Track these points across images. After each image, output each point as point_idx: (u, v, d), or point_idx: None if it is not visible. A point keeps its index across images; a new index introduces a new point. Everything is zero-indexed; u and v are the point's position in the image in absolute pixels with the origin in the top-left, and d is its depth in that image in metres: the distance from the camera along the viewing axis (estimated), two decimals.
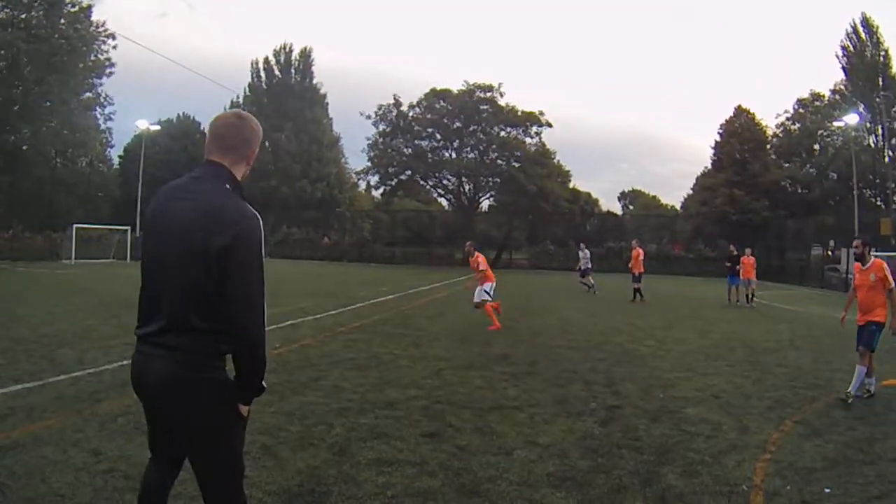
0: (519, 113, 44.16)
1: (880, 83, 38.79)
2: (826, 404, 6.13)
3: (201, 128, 56.11)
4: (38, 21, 32.82)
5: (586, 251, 22.71)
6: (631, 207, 79.02)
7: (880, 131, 39.13)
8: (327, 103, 54.69)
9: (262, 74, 53.78)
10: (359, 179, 53.11)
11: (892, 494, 3.84)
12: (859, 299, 6.62)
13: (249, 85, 54.27)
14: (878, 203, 38.44)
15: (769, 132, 46.64)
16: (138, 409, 5.09)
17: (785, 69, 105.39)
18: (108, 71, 37.92)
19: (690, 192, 55.56)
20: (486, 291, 12.04)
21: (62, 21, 34.40)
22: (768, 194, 41.89)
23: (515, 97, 71.76)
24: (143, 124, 41.46)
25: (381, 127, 45.90)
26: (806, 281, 31.43)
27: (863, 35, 39.82)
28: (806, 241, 37.85)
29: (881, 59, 38.87)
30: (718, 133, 47.11)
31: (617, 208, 76.57)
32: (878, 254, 20.89)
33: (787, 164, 45.00)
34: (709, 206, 43.88)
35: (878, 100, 38.50)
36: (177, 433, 2.22)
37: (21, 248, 27.60)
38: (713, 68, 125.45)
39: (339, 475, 3.92)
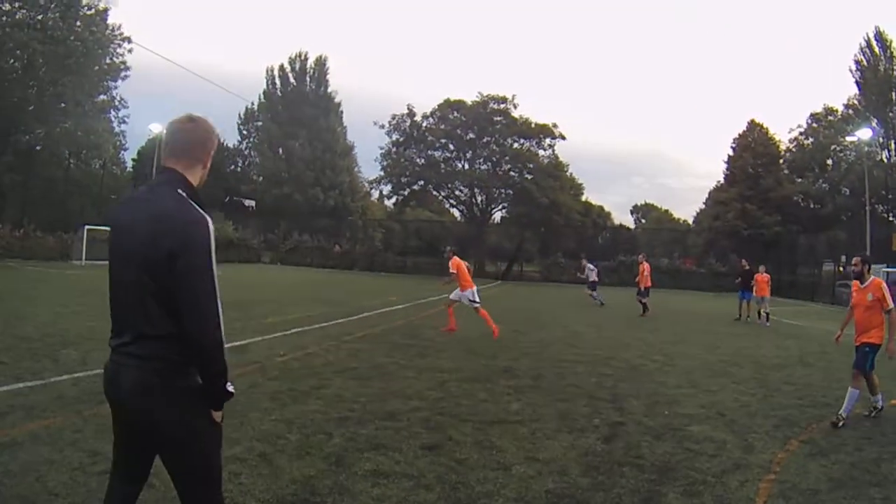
0: (532, 125, 44.13)
1: (893, 98, 38.50)
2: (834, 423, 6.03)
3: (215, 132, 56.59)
4: (53, 23, 33.01)
5: (591, 265, 23.12)
6: (643, 221, 78.64)
7: (893, 146, 38.80)
8: (342, 112, 54.93)
9: (277, 82, 54.10)
10: (371, 188, 53.29)
11: None
12: (856, 318, 6.49)
13: (264, 92, 54.64)
14: (891, 219, 38.01)
15: (782, 147, 46.37)
16: None
17: (798, 83, 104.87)
18: (122, 74, 38.14)
19: (703, 206, 55.27)
20: (468, 298, 12.10)
21: (78, 23, 34.60)
22: (780, 209, 41.60)
23: (529, 109, 71.62)
24: (156, 128, 41.86)
25: (395, 136, 46.05)
26: (817, 297, 31.11)
27: (876, 49, 39.53)
28: (817, 257, 37.47)
29: (895, 73, 38.51)
30: (731, 147, 46.95)
31: (629, 222, 76.35)
32: (891, 269, 20.75)
33: (799, 179, 44.70)
34: (721, 220, 43.59)
35: (891, 114, 38.23)
36: (149, 443, 2.21)
37: (32, 248, 27.75)
38: (727, 82, 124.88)
39: (334, 486, 3.89)
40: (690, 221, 60.98)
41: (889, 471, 4.62)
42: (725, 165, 47.12)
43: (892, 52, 38.79)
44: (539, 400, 6.60)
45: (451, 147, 45.56)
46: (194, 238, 2.08)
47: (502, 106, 44.22)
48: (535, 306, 20.43)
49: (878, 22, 56.29)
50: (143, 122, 48.81)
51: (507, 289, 31.25)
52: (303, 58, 53.96)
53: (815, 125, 45.25)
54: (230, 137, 58.64)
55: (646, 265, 18.71)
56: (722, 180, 47.99)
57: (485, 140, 44.53)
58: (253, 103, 56.22)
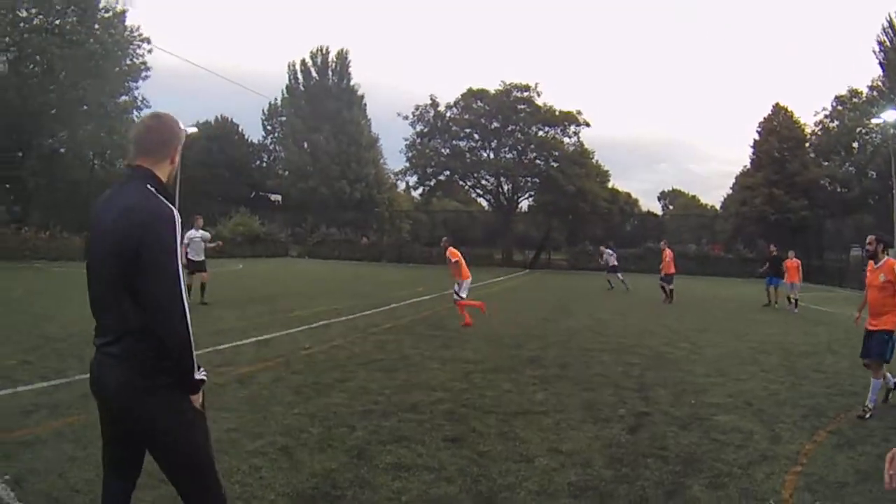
0: (556, 112, 43.59)
1: None
2: None
3: (239, 129, 57.12)
4: (71, 27, 33.30)
5: (609, 250, 23.71)
6: (671, 207, 77.53)
7: None
8: (365, 104, 54.78)
9: (300, 76, 54.07)
10: (397, 180, 53.27)
11: None
12: (869, 300, 6.22)
13: (287, 87, 54.71)
14: None
15: (807, 130, 45.10)
16: None
17: (822, 65, 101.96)
18: (143, 74, 38.48)
19: (730, 191, 54.24)
20: (455, 291, 12.08)
21: (96, 26, 34.87)
22: (807, 193, 40.53)
23: (552, 97, 70.78)
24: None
25: (419, 127, 45.92)
26: (845, 282, 30.26)
27: None
28: (845, 242, 36.44)
29: None
30: (757, 131, 45.73)
31: (657, 208, 75.31)
32: None
33: (825, 163, 43.37)
34: (748, 205, 42.65)
35: None
36: (137, 439, 2.27)
37: (58, 249, 27.96)
38: (751, 65, 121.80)
39: (354, 479, 3.87)
40: (718, 207, 59.95)
41: None
42: (751, 150, 45.98)
43: None
44: (565, 389, 6.51)
45: (476, 136, 45.28)
46: (159, 232, 2.10)
47: (525, 94, 43.74)
48: (562, 294, 20.27)
49: None
50: None
51: (534, 277, 31.08)
52: (324, 52, 53.90)
53: (839, 108, 43.85)
54: (254, 133, 59.24)
55: (668, 251, 18.49)
56: (748, 165, 46.93)
57: (509, 129, 44.16)
58: (276, 99, 56.51)
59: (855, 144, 42.75)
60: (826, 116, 44.26)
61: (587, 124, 44.03)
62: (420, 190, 49.63)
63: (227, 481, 3.71)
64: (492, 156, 45.41)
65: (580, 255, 42.19)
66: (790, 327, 12.84)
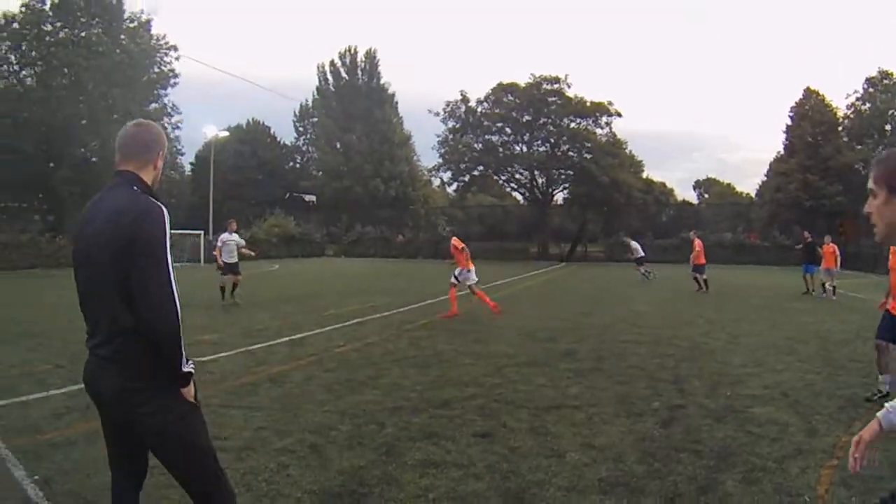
0: (587, 104, 43.15)
1: None
2: None
3: (271, 132, 57.83)
4: (97, 38, 34.05)
5: (634, 242, 23.68)
6: (706, 196, 75.90)
7: None
8: (396, 102, 55.04)
9: (329, 77, 54.58)
10: (431, 176, 53.34)
11: None
12: (891, 283, 5.90)
13: (317, 88, 55.30)
14: None
15: (839, 114, 43.70)
16: None
17: (851, 46, 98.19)
18: (172, 81, 39.17)
19: (765, 178, 52.85)
20: (455, 276, 12.18)
21: (122, 37, 35.63)
22: (841, 178, 39.27)
23: (583, 88, 70.12)
24: (211, 131, 43.08)
25: (451, 123, 45.91)
26: (879, 268, 29.14)
27: None
28: None
29: None
30: (789, 116, 44.45)
31: (692, 197, 73.78)
32: None
33: (859, 147, 42.03)
34: (783, 192, 41.52)
35: None
36: (136, 438, 2.29)
37: None
38: (781, 48, 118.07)
39: (382, 476, 3.83)
40: (753, 195, 58.46)
41: None
42: (784, 136, 44.78)
43: None
44: (599, 383, 6.38)
45: (508, 130, 45.11)
46: (150, 226, 2.15)
47: (556, 86, 43.39)
48: (598, 286, 19.99)
49: None
50: (201, 126, 50.34)
51: (570, 270, 30.77)
52: (352, 52, 54.29)
53: (871, 90, 42.54)
54: (287, 135, 59.93)
55: (698, 241, 18.17)
56: (782, 151, 45.66)
57: (541, 122, 43.86)
58: (307, 100, 57.09)
59: (887, 127, 41.63)
60: (857, 99, 43.08)
61: (619, 114, 43.55)
62: (454, 186, 49.62)
63: (254, 479, 3.75)
64: (524, 149, 45.16)
65: (616, 246, 41.63)
66: (826, 315, 12.39)
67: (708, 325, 10.85)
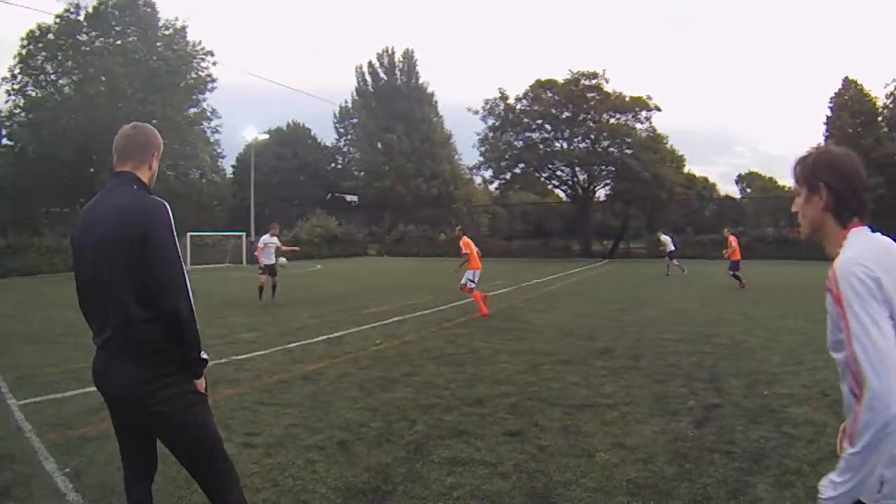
0: (626, 98, 42.36)
1: None
2: None
3: (312, 134, 58.52)
4: (133, 46, 34.87)
5: (666, 237, 24.17)
6: (749, 190, 73.72)
7: None
8: (436, 101, 55.02)
9: (368, 78, 54.77)
10: (472, 174, 53.22)
11: None
12: None
13: (357, 89, 55.63)
14: None
15: (879, 103, 41.83)
16: (223, 404, 5.29)
17: (890, 35, 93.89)
18: (210, 86, 39.63)
19: None
20: (469, 279, 12.11)
21: (158, 44, 36.26)
22: (883, 170, 37.57)
23: (621, 83, 68.70)
24: (251, 134, 43.82)
25: (490, 121, 45.71)
26: None
27: None
28: None
29: None
30: (829, 107, 42.62)
31: (735, 192, 71.70)
32: None
33: None
34: None
35: None
36: (147, 429, 2.39)
37: None
38: (819, 37, 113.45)
39: (408, 474, 3.83)
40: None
41: None
42: (825, 127, 43.02)
43: None
44: (635, 381, 6.23)
45: (548, 127, 44.61)
46: (159, 220, 2.27)
47: (594, 82, 42.67)
48: (639, 284, 19.63)
49: None
50: (239, 130, 51.30)
51: (613, 267, 30.30)
52: (390, 53, 54.45)
53: None
54: (327, 137, 60.63)
55: (733, 238, 17.88)
56: (822, 143, 43.92)
57: (580, 118, 43.23)
58: (346, 101, 57.59)
59: None
60: None
61: (658, 109, 42.56)
62: (496, 184, 49.43)
63: (280, 475, 3.79)
64: (565, 146, 44.59)
65: (657, 244, 40.97)
66: None
67: (748, 321, 10.51)
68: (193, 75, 38.69)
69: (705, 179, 57.61)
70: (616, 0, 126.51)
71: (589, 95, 42.56)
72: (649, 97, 42.39)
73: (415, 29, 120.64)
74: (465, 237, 12.57)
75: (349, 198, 55.39)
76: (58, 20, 33.80)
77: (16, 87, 33.83)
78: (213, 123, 41.79)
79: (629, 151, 41.35)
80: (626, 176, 41.05)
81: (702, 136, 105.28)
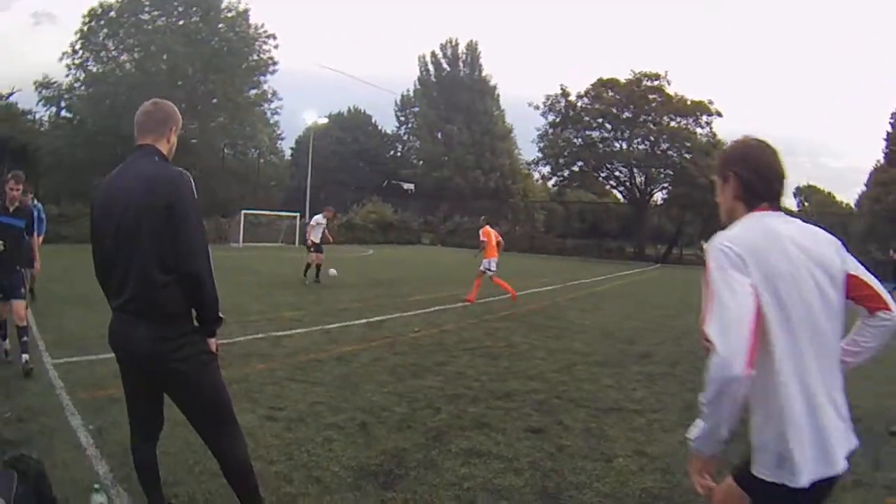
0: (688, 102, 41.29)
1: None
2: None
3: (373, 120, 59.03)
4: (195, 26, 35.76)
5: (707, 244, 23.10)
6: (806, 204, 70.67)
7: None
8: (498, 95, 54.65)
9: (431, 68, 54.76)
10: (530, 170, 52.80)
11: None
12: None
13: (419, 79, 55.71)
14: None
15: None
16: (254, 378, 5.41)
17: None
18: (271, 69, 40.17)
19: (864, 188, 48.21)
20: (487, 267, 12.35)
21: (220, 25, 37.17)
22: None
23: (682, 86, 66.99)
24: (310, 117, 44.50)
25: (550, 117, 45.29)
26: None
27: None
28: None
29: None
30: (890, 123, 40.15)
31: (792, 205, 68.77)
32: None
33: None
34: (882, 203, 37.61)
35: None
36: (161, 386, 2.56)
37: None
38: (885, 49, 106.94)
39: (423, 460, 3.85)
40: (853, 204, 53.73)
41: None
42: (885, 143, 40.53)
43: None
44: (669, 388, 6.07)
45: (608, 127, 43.92)
46: (183, 189, 2.40)
47: (655, 83, 41.84)
48: (690, 290, 19.00)
49: None
50: (299, 113, 51.98)
51: (664, 272, 29.58)
52: (453, 44, 54.30)
53: None
54: (388, 124, 61.06)
55: None
56: (882, 160, 41.37)
57: (641, 119, 42.39)
58: (408, 90, 57.82)
59: None
60: None
61: (719, 114, 41.35)
62: (553, 180, 48.94)
63: (296, 450, 3.86)
64: (624, 146, 43.84)
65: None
66: None
67: None
68: (255, 57, 39.46)
69: None
70: (682, 1, 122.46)
71: (650, 97, 41.80)
72: (710, 102, 41.36)
73: (479, 21, 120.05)
74: (486, 226, 12.75)
75: (406, 186, 55.69)
76: None
77: (77, 61, 35.06)
78: (273, 105, 42.56)
79: (688, 156, 40.38)
80: (683, 181, 40.12)
81: None
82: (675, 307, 13.51)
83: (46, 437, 3.92)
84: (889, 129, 40.38)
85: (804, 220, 1.89)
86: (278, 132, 46.88)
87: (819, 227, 1.93)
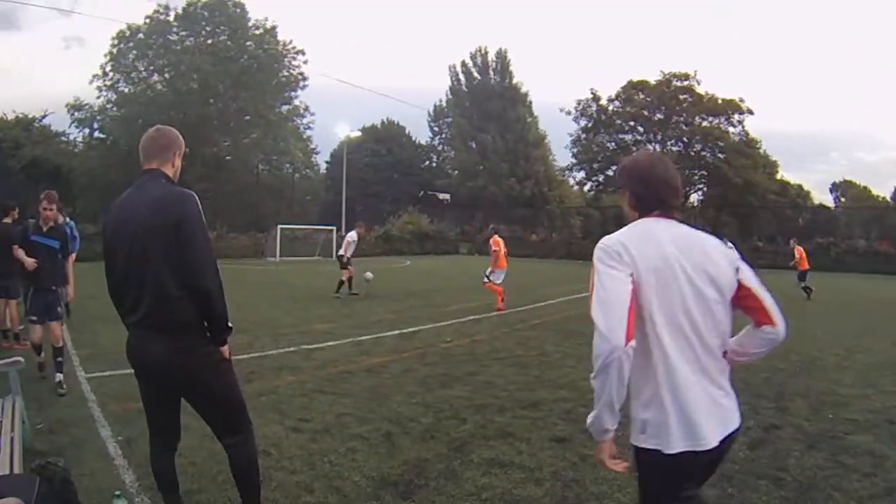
0: (719, 101, 40.74)
1: None
2: None
3: (406, 132, 59.40)
4: (223, 45, 36.50)
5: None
6: (843, 199, 68.47)
7: None
8: (530, 102, 54.39)
9: (462, 77, 54.82)
10: (564, 176, 52.52)
11: None
12: None
13: (450, 88, 55.88)
14: None
15: None
16: (283, 390, 5.51)
17: None
18: (301, 84, 40.87)
19: None
20: (486, 274, 12.69)
21: (249, 43, 37.85)
22: None
23: (712, 85, 65.84)
24: (343, 131, 45.02)
25: (582, 122, 45.11)
26: None
27: None
28: None
29: None
30: None
31: (829, 200, 66.71)
32: None
33: None
34: None
35: None
36: (179, 394, 2.76)
37: (225, 248, 30.22)
38: None
39: (444, 471, 3.87)
40: (889, 198, 51.95)
41: None
42: None
43: None
44: None
45: (640, 129, 43.58)
46: (189, 208, 2.55)
47: (685, 83, 41.42)
48: None
49: None
50: (333, 126, 52.55)
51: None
52: (483, 52, 54.30)
53: None
54: (422, 135, 61.43)
55: (799, 248, 17.47)
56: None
57: (673, 120, 41.94)
58: (441, 100, 58.06)
59: None
60: None
61: (751, 112, 40.73)
62: (588, 186, 48.61)
63: (319, 460, 3.94)
64: (657, 148, 43.33)
65: (749, 252, 38.56)
66: None
67: (828, 337, 9.76)
68: (285, 73, 40.00)
69: (800, 187, 54.12)
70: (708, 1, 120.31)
71: (681, 97, 41.39)
72: (742, 100, 40.87)
73: (507, 28, 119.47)
74: (495, 236, 13.06)
75: (441, 196, 55.85)
76: (147, 20, 35.82)
77: (108, 83, 36.06)
78: (305, 120, 43.13)
79: (721, 156, 39.79)
80: (718, 181, 39.65)
81: (797, 142, 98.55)
82: None
83: (76, 447, 4.11)
84: None
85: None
86: (312, 146, 47.47)
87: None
